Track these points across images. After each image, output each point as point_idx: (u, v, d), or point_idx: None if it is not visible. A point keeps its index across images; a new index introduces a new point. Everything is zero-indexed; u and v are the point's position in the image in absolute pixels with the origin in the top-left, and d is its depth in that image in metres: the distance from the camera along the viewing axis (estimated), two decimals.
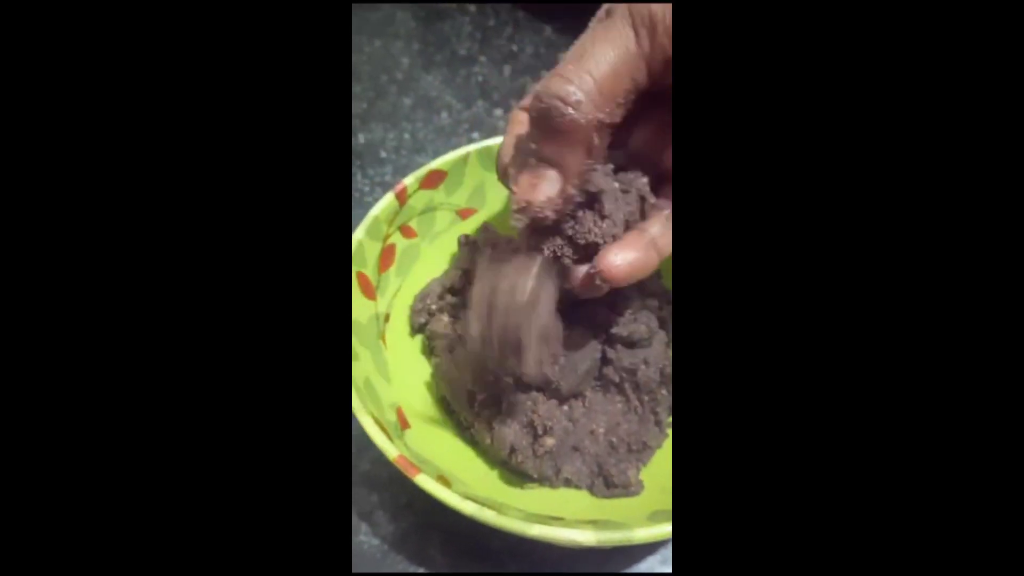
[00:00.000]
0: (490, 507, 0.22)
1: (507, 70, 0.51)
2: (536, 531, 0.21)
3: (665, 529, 0.21)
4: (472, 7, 0.56)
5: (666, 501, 0.25)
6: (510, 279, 0.22)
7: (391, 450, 0.23)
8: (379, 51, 0.53)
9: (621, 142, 0.25)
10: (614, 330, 0.27)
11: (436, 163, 0.33)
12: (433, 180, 0.33)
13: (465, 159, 0.33)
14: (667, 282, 0.31)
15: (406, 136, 0.46)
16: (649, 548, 0.28)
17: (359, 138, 0.46)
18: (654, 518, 0.23)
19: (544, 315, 0.23)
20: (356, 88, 0.49)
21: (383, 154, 0.45)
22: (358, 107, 0.48)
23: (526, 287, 0.22)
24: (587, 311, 0.27)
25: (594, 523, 0.23)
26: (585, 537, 0.21)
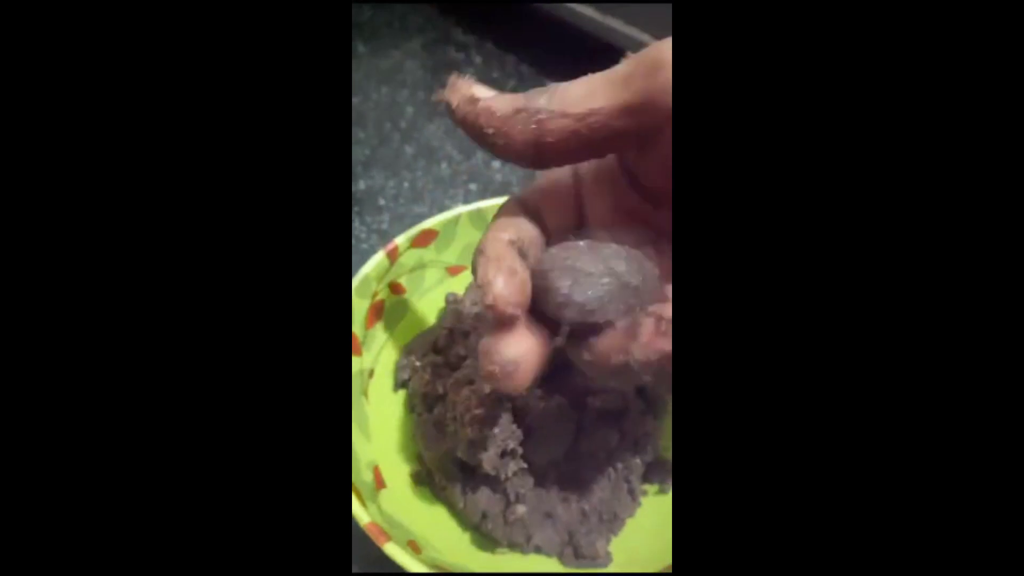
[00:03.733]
0: None
1: None
2: None
3: None
4: (478, 59, 0.58)
5: (632, 569, 0.26)
6: None
7: (363, 517, 0.23)
8: (385, 98, 0.54)
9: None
10: (590, 400, 0.28)
11: (428, 223, 0.34)
12: (424, 239, 0.34)
13: (456, 220, 0.34)
14: None
15: (405, 185, 0.47)
16: None
17: (360, 184, 0.47)
18: None
19: None
20: (360, 134, 0.51)
21: (381, 201, 0.46)
22: (361, 153, 0.49)
23: None
24: (563, 381, 0.28)
25: None
26: None
